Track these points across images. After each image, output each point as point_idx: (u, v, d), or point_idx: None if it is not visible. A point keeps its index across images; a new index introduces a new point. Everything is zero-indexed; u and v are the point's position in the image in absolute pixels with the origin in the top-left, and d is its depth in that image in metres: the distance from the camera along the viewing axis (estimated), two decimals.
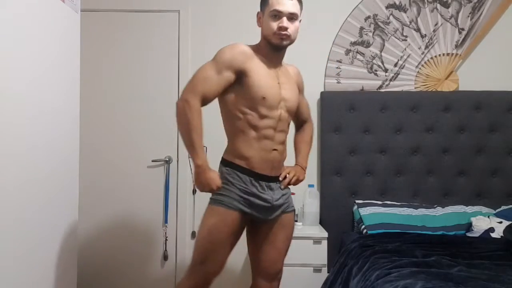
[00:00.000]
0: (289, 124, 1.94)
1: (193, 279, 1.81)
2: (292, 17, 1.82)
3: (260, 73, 1.81)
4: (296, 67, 2.04)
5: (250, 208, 1.80)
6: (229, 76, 1.78)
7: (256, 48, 1.88)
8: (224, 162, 1.86)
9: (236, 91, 1.81)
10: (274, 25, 1.81)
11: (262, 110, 1.80)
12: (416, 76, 2.98)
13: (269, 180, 1.84)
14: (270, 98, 1.80)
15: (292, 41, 1.87)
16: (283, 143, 1.89)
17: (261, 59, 1.86)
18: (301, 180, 2.00)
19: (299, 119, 2.11)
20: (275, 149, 1.83)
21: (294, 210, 2.01)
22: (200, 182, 1.77)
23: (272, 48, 1.86)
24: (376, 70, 2.98)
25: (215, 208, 1.79)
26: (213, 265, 1.79)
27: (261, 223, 1.89)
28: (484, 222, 2.53)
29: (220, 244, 1.78)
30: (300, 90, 2.03)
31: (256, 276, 1.96)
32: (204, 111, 3.07)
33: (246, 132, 1.81)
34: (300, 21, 1.90)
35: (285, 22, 1.80)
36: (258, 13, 1.91)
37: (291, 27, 1.82)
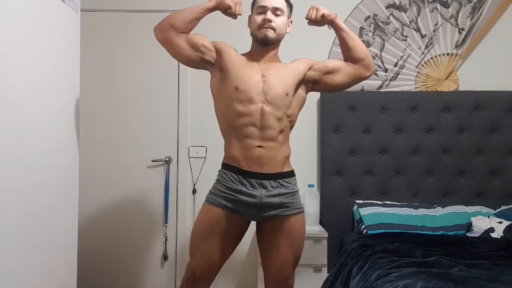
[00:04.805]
0: (280, 118, 1.85)
1: (186, 273, 1.92)
2: (277, 12, 1.89)
3: (236, 64, 1.88)
4: (303, 58, 2.02)
5: (235, 204, 1.83)
6: (209, 43, 1.92)
7: (245, 53, 1.97)
8: (221, 165, 1.95)
9: (217, 91, 1.93)
10: (259, 18, 1.89)
11: (238, 107, 1.83)
12: (416, 76, 2.98)
13: (260, 178, 1.83)
14: (243, 88, 1.83)
15: (279, 36, 1.92)
16: (274, 139, 1.84)
17: (245, 56, 1.94)
18: (320, 10, 1.91)
19: (350, 61, 1.98)
20: (259, 146, 1.82)
21: (302, 212, 1.92)
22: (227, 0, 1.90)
23: (260, 44, 1.92)
24: (376, 70, 2.98)
25: (203, 205, 1.91)
26: (196, 259, 1.88)
27: (267, 228, 1.88)
28: (484, 222, 2.53)
29: (202, 237, 1.86)
30: (313, 66, 1.97)
31: (266, 283, 1.96)
32: (203, 111, 3.09)
33: (228, 134, 1.90)
34: (291, 22, 1.99)
35: (268, 14, 1.88)
36: (249, 16, 2.00)
37: (276, 21, 1.89)
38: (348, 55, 1.99)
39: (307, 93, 2.00)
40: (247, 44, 2.00)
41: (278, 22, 1.89)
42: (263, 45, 1.91)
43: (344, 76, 1.98)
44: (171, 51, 1.92)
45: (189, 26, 1.90)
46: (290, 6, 1.97)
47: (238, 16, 1.96)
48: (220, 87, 1.91)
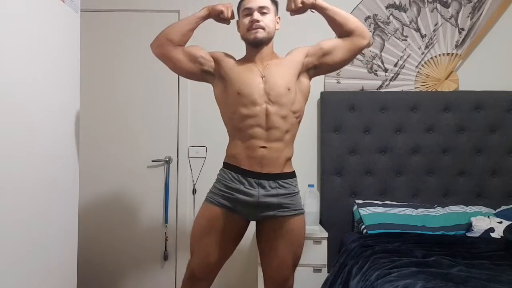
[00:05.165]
0: (286, 116, 1.85)
1: (186, 272, 1.93)
2: (263, 10, 1.89)
3: (234, 70, 1.89)
4: (297, 47, 2.00)
5: (233, 203, 1.83)
6: (206, 54, 1.94)
7: (242, 58, 1.98)
8: (222, 164, 1.95)
9: (220, 99, 1.94)
10: (246, 21, 1.89)
11: (242, 110, 1.84)
12: (416, 76, 2.98)
13: (260, 177, 1.83)
14: (246, 92, 1.84)
15: (269, 34, 1.91)
16: (280, 139, 1.84)
17: (242, 61, 1.95)
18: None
19: (344, 35, 1.94)
20: (263, 147, 1.82)
21: (301, 214, 1.90)
22: (218, 6, 1.94)
23: (252, 45, 1.92)
24: (376, 70, 2.98)
25: (203, 204, 1.91)
26: (196, 258, 1.88)
27: (266, 229, 1.88)
28: (484, 222, 2.53)
29: (201, 236, 1.87)
30: (309, 52, 1.95)
31: (265, 284, 1.96)
32: (203, 111, 3.09)
33: (234, 135, 1.90)
34: (279, 18, 1.98)
35: (255, 15, 1.87)
36: (237, 21, 2.00)
37: (264, 20, 1.88)
38: (340, 31, 1.96)
39: (310, 79, 1.99)
40: (242, 50, 2.01)
41: (266, 20, 1.89)
42: (255, 46, 1.91)
43: (342, 53, 1.95)
44: (170, 65, 1.94)
45: (185, 38, 1.93)
46: (275, 3, 1.96)
47: (231, 21, 1.98)
48: (223, 95, 1.92)
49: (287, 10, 1.97)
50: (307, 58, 1.95)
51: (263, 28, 1.87)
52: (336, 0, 2.91)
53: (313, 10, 1.96)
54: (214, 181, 1.94)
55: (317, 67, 1.97)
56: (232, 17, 1.96)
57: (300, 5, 1.91)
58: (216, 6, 1.93)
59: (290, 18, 2.04)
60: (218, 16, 1.95)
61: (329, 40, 2.01)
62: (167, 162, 2.97)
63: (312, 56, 1.95)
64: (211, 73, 1.95)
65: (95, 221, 2.95)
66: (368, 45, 2.00)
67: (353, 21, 1.95)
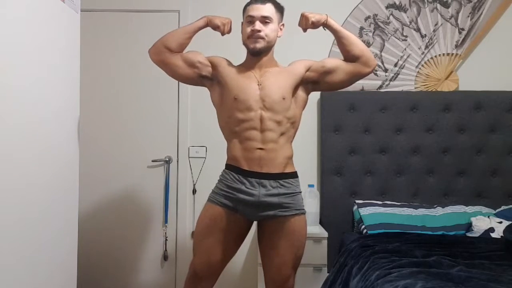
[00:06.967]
0: (280, 122, 1.88)
1: (189, 272, 1.95)
2: (266, 20, 1.90)
3: (232, 76, 1.92)
4: (301, 59, 2.04)
5: (234, 203, 1.85)
6: (204, 59, 1.97)
7: (241, 63, 2.01)
8: (225, 166, 1.97)
9: (217, 103, 1.97)
10: (248, 29, 1.92)
11: (238, 115, 1.87)
12: (416, 76, 2.98)
13: (260, 177, 1.84)
14: (242, 98, 1.86)
15: (269, 43, 1.93)
16: (275, 141, 1.86)
17: (240, 67, 1.97)
18: (309, 18, 1.95)
19: (349, 60, 1.98)
20: (260, 148, 1.84)
21: (302, 214, 1.91)
22: (216, 20, 1.98)
23: (251, 54, 1.95)
24: (376, 70, 2.97)
25: (205, 204, 1.93)
26: (198, 257, 1.90)
27: (267, 228, 1.89)
28: (484, 222, 2.53)
29: (203, 235, 1.89)
30: (311, 67, 1.98)
31: (266, 284, 1.97)
32: (203, 111, 3.10)
33: (231, 137, 1.92)
34: (283, 25, 2.01)
35: (257, 25, 1.89)
36: (242, 23, 2.02)
37: (265, 30, 1.90)
38: (346, 54, 2.00)
39: (308, 93, 2.01)
40: (241, 55, 2.02)
41: (267, 30, 1.91)
42: (254, 55, 1.94)
43: (343, 75, 1.98)
44: (168, 71, 1.97)
45: (183, 46, 1.96)
46: (280, 10, 1.98)
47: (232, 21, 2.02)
48: (220, 100, 1.95)
49: (299, 26, 2.02)
50: (308, 73, 1.97)
51: (263, 38, 1.89)
52: (337, 0, 2.94)
53: (325, 28, 2.00)
54: (216, 181, 1.95)
55: (316, 83, 2.00)
56: (228, 32, 2.00)
57: (311, 26, 1.97)
58: (214, 20, 1.97)
59: (295, 27, 2.07)
60: (214, 29, 2.00)
61: (333, 60, 2.06)
62: (167, 162, 2.97)
63: (313, 72, 1.98)
64: (209, 78, 1.97)
65: (95, 221, 2.95)
66: (371, 73, 2.03)
67: (361, 47, 1.97)
